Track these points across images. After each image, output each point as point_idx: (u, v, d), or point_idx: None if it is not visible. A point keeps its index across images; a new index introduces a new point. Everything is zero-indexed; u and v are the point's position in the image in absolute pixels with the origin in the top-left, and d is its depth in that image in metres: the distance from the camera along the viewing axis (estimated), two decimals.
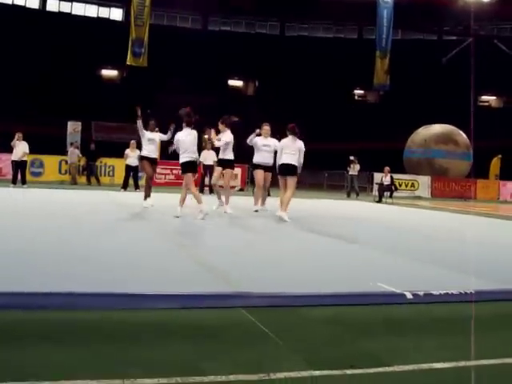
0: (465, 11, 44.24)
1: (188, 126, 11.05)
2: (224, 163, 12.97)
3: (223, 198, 12.71)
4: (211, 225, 10.14)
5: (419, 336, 3.82)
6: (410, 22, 51.25)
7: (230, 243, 7.89)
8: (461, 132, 35.19)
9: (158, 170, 25.04)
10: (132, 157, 20.67)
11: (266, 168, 13.01)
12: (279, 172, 11.87)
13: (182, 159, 10.99)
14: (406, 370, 3.09)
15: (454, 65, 46.60)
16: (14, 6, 50.43)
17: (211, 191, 16.64)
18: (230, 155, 12.85)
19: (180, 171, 11.42)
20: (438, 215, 16.76)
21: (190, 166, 11.03)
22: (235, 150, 13.06)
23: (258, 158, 12.99)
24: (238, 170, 25.63)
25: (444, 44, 53.39)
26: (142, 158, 13.59)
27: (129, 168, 20.81)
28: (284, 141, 11.83)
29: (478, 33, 50.20)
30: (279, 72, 51.51)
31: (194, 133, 11.05)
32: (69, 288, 4.28)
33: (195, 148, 11.13)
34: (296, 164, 11.57)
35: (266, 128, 13.00)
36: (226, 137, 12.61)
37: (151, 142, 13.46)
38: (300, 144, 11.69)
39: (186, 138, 10.95)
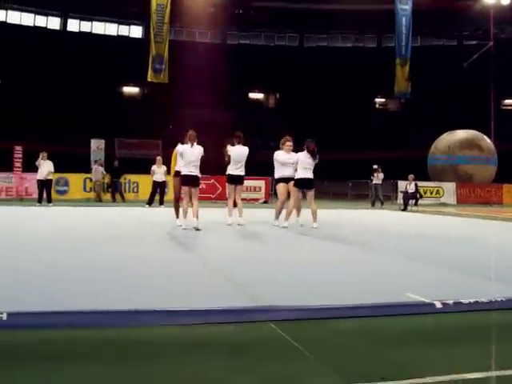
0: (484, 15, 43.95)
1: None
2: (234, 179, 12.79)
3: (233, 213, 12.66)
4: (233, 238, 10.14)
5: (450, 346, 3.77)
6: (429, 28, 51.14)
7: (252, 256, 7.86)
8: (485, 137, 34.88)
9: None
10: (158, 173, 20.85)
11: (289, 180, 12.87)
12: (296, 185, 12.23)
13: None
14: (438, 381, 3.04)
15: (476, 69, 46.24)
16: (35, 28, 51.25)
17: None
18: (236, 171, 12.64)
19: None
20: (464, 222, 16.59)
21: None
22: (248, 163, 12.97)
23: (281, 173, 12.78)
24: (261, 183, 25.65)
25: (464, 49, 53.00)
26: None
27: (156, 184, 20.98)
28: (301, 156, 12.12)
29: (499, 36, 49.79)
30: (300, 83, 51.55)
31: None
32: (94, 306, 4.30)
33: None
34: (312, 177, 12.19)
35: (289, 144, 12.89)
36: (232, 151, 12.58)
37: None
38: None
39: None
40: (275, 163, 12.82)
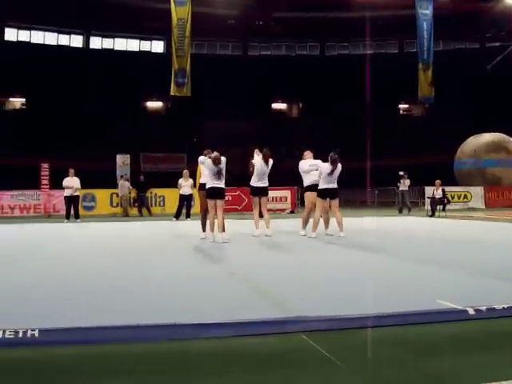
0: (506, 16, 43.60)
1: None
2: (257, 191, 12.74)
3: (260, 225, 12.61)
4: (260, 249, 10.13)
5: (485, 353, 3.71)
6: (451, 31, 50.74)
7: (279, 266, 7.83)
8: (511, 139, 34.48)
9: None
10: (185, 186, 20.95)
11: (315, 188, 12.81)
12: (320, 195, 12.23)
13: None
14: None
15: (500, 71, 45.83)
16: (59, 47, 51.95)
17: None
18: (259, 183, 12.55)
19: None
20: (493, 226, 16.39)
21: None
22: (273, 172, 12.97)
23: (308, 181, 12.78)
24: (287, 193, 25.63)
25: (487, 51, 52.60)
26: None
27: (182, 197, 21.09)
28: (325, 166, 12.12)
29: None
30: (322, 92, 51.50)
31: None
32: (127, 321, 4.32)
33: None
34: (336, 187, 12.29)
35: (309, 155, 12.95)
36: (257, 163, 12.56)
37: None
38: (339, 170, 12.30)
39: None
40: (301, 174, 12.88)
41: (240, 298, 5.41)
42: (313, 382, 3.13)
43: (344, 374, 3.28)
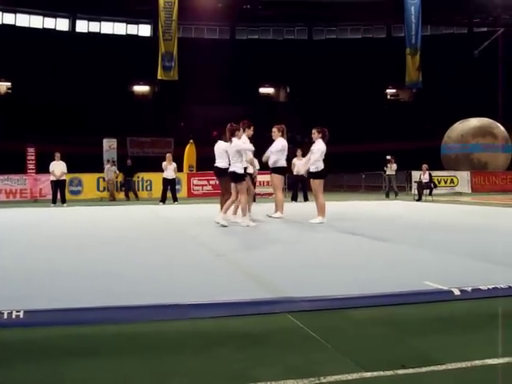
0: (493, 1, 43.65)
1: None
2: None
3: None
4: (248, 233, 10.13)
5: (470, 332, 3.75)
6: (439, 16, 50.81)
7: (268, 249, 7.85)
8: (498, 124, 34.64)
9: (195, 182, 25.30)
10: (169, 169, 20.83)
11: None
12: (323, 177, 11.91)
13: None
14: (459, 368, 3.02)
15: (487, 57, 45.94)
16: (44, 30, 51.46)
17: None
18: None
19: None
20: (479, 210, 16.48)
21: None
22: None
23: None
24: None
25: (475, 36, 52.72)
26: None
27: (166, 181, 20.97)
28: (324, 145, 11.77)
29: (509, 22, 49.40)
30: (310, 76, 51.48)
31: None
32: (113, 302, 4.32)
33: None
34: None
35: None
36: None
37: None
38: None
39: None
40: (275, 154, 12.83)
41: (228, 280, 5.42)
42: (300, 362, 3.13)
43: (331, 353, 3.29)
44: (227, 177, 11.46)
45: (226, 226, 10.72)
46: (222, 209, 11.54)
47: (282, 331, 3.77)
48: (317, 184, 11.71)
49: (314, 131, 11.86)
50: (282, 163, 12.71)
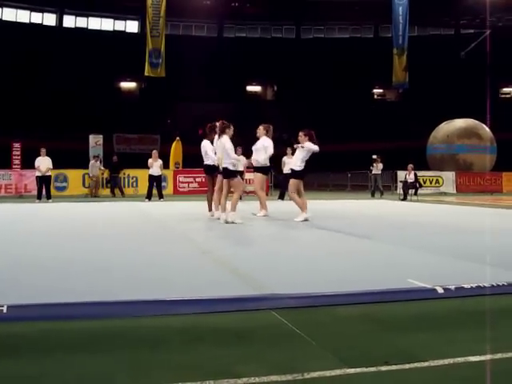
0: (481, 4, 43.87)
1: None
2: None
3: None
4: (234, 230, 10.14)
5: (452, 330, 3.77)
6: (426, 17, 50.99)
7: (253, 247, 7.88)
8: (484, 126, 34.84)
9: (181, 179, 25.26)
10: (155, 166, 20.77)
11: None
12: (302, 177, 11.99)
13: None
14: (441, 365, 3.05)
15: (473, 58, 46.19)
16: (31, 25, 51.09)
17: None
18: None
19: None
20: (463, 210, 16.59)
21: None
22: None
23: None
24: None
25: (462, 38, 52.98)
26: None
27: (152, 178, 20.89)
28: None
29: (496, 25, 49.73)
30: (297, 75, 51.51)
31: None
32: (95, 298, 4.31)
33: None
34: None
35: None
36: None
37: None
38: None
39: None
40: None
41: (212, 277, 5.42)
42: (283, 358, 3.14)
43: (315, 349, 3.30)
44: (216, 174, 11.54)
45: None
46: (208, 206, 11.63)
47: (267, 328, 3.78)
48: (296, 183, 11.77)
49: (300, 134, 11.81)
50: (265, 162, 12.72)
